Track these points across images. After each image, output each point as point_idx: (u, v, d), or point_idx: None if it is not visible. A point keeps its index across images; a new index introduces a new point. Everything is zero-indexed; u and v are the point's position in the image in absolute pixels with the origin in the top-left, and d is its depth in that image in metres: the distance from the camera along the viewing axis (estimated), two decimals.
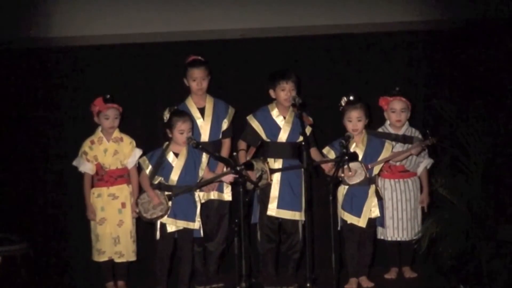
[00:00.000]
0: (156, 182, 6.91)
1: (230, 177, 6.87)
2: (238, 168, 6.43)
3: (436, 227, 6.89)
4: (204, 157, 6.92)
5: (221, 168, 7.04)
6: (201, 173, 6.94)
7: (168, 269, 6.95)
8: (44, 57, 7.55)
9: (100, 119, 7.11)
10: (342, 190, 7.05)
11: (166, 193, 6.85)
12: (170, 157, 6.90)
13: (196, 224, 6.90)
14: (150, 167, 6.89)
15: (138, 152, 7.13)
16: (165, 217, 6.84)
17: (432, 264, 7.15)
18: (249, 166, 6.65)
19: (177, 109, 6.97)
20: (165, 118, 6.92)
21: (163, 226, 6.87)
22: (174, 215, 6.85)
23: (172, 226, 6.86)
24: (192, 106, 7.17)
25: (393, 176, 7.24)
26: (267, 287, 7.04)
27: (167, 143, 6.96)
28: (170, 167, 6.88)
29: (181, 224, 6.87)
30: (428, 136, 7.05)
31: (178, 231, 6.88)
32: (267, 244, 7.05)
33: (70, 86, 7.55)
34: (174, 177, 6.87)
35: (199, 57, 7.17)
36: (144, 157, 6.96)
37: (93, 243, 7.10)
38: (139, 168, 7.03)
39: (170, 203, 6.84)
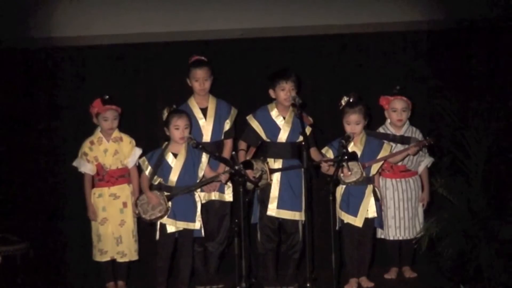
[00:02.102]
0: (156, 183, 6.91)
1: (225, 176, 6.87)
2: (236, 168, 6.43)
3: (436, 227, 6.88)
4: (204, 157, 6.91)
5: (223, 168, 7.01)
6: (200, 173, 6.93)
7: (168, 269, 6.95)
8: (44, 57, 7.55)
9: (99, 120, 7.10)
10: (339, 190, 7.05)
11: (166, 193, 6.85)
12: (169, 157, 6.89)
13: (197, 224, 6.89)
14: (149, 168, 6.88)
15: (138, 151, 7.12)
16: (165, 217, 6.84)
17: (432, 264, 7.15)
18: (247, 165, 6.65)
19: (175, 108, 6.97)
20: (164, 117, 6.92)
21: (163, 226, 6.86)
22: (174, 216, 6.84)
23: (172, 226, 6.86)
24: (194, 107, 7.16)
25: (394, 176, 7.24)
26: (267, 287, 7.04)
27: (166, 143, 6.95)
28: (169, 168, 6.87)
29: (181, 225, 6.86)
30: (426, 136, 7.07)
31: (178, 231, 6.88)
32: (267, 244, 7.04)
33: (70, 86, 7.55)
34: (173, 177, 6.86)
35: (202, 58, 7.17)
36: (144, 158, 6.95)
37: (95, 243, 7.09)
38: (139, 167, 7.03)
39: (169, 203, 6.84)
